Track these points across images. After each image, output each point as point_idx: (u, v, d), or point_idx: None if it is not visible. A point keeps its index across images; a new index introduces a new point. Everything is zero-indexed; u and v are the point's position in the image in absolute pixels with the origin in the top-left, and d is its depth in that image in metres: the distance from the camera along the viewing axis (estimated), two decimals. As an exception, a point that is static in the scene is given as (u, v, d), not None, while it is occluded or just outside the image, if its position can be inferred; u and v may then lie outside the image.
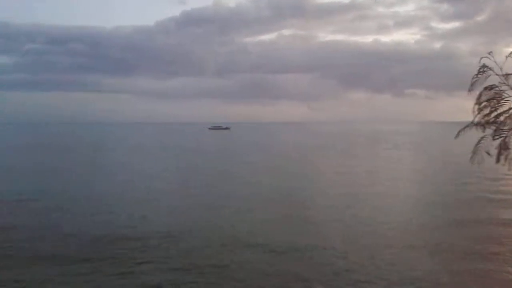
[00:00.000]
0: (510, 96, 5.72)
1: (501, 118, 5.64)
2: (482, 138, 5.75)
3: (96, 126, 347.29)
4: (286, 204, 29.81)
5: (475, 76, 5.81)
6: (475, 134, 6.00)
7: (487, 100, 5.71)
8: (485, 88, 5.76)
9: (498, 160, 5.52)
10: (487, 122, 5.72)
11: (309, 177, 45.15)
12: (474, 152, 5.72)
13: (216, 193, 35.68)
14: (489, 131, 5.75)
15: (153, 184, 39.89)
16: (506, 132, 5.57)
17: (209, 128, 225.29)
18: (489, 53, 5.93)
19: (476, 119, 5.78)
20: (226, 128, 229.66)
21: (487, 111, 5.72)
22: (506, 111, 5.66)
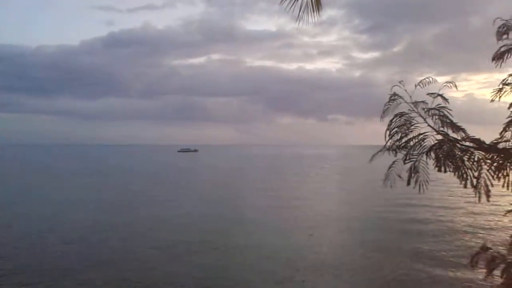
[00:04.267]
0: (419, 123, 6.07)
1: (411, 143, 5.94)
2: (394, 162, 6.01)
3: (12, 148, 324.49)
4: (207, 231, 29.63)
5: (387, 103, 6.16)
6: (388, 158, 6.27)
7: (398, 126, 6.02)
8: (396, 115, 6.09)
9: (409, 183, 5.79)
10: (398, 147, 6.00)
11: (236, 203, 45.29)
12: (387, 175, 5.97)
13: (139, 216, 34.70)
14: (400, 155, 6.02)
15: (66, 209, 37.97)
16: (416, 157, 5.87)
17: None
18: (400, 82, 6.32)
19: (388, 144, 6.05)
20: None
21: (398, 136, 6.02)
22: (415, 136, 5.98)
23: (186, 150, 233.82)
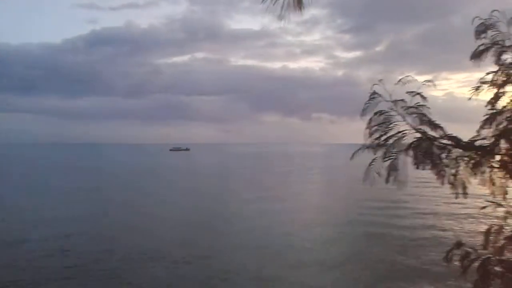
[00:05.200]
0: (398, 121, 6.13)
1: (390, 141, 6.01)
2: (373, 160, 6.07)
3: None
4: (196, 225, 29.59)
5: (367, 102, 6.21)
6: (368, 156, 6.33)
7: (377, 125, 6.08)
8: (375, 114, 6.14)
9: (387, 181, 5.85)
10: (378, 145, 6.06)
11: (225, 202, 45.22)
12: (366, 173, 6.03)
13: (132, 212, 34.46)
14: (380, 153, 6.08)
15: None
16: (394, 155, 5.94)
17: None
18: (380, 80, 6.37)
19: (368, 142, 6.11)
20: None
21: (377, 134, 6.08)
22: (394, 134, 6.05)
23: (178, 149, 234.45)
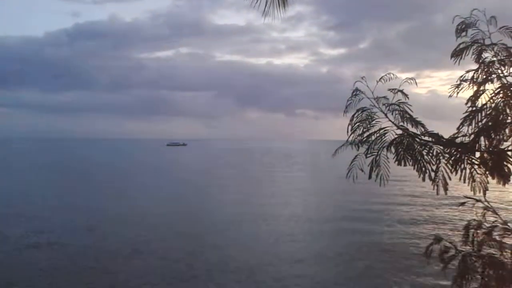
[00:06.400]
0: (380, 118, 6.20)
1: (372, 137, 6.06)
2: (356, 156, 6.12)
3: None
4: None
5: (349, 99, 6.27)
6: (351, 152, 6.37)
7: (360, 121, 6.13)
8: (358, 110, 6.21)
9: (370, 177, 5.91)
10: (361, 141, 6.11)
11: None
12: (349, 169, 6.08)
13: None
14: (362, 149, 6.13)
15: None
16: (376, 151, 5.99)
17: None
18: (362, 77, 6.42)
19: (350, 139, 6.16)
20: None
21: (360, 131, 6.14)
22: (376, 131, 6.10)
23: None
